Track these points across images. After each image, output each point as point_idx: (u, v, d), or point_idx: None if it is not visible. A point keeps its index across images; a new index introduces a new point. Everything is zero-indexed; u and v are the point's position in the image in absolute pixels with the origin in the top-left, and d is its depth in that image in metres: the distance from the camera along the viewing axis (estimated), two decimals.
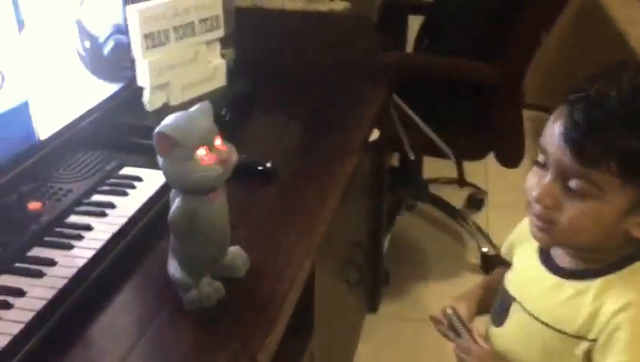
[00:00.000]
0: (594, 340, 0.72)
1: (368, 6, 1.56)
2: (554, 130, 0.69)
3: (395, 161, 2.15)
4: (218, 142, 0.70)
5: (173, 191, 0.72)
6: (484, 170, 2.48)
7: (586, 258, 0.75)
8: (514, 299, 0.81)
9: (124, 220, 0.84)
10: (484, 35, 1.69)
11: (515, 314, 0.81)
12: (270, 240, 0.88)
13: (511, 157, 1.78)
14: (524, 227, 0.81)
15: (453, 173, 2.34)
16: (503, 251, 0.91)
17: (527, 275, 0.81)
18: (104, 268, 0.78)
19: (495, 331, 0.85)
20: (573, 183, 0.68)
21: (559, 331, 0.74)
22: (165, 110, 1.16)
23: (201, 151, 0.68)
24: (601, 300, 0.72)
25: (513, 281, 0.83)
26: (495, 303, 0.86)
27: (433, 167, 2.26)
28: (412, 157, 1.74)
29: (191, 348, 0.69)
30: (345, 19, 1.49)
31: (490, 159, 1.93)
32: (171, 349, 0.70)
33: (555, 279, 0.76)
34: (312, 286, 0.97)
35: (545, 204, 0.71)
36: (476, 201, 2.33)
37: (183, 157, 0.68)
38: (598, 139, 0.65)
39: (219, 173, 0.69)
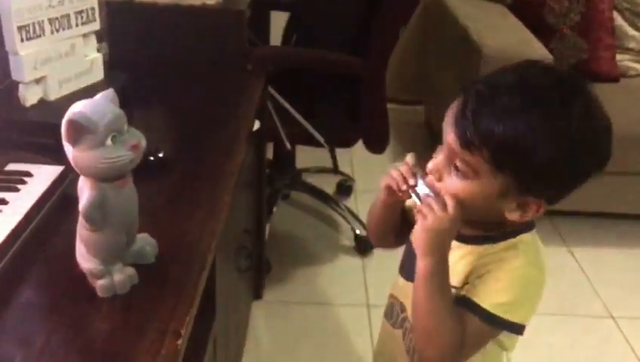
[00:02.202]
0: (459, 287, 0.84)
1: (240, 1, 1.59)
2: (449, 115, 0.79)
3: (269, 154, 2.21)
4: (127, 128, 0.71)
5: (81, 179, 0.72)
6: (350, 159, 2.63)
7: (476, 226, 0.85)
8: None
9: (20, 216, 0.82)
10: (350, 30, 1.80)
11: None
12: (174, 228, 0.89)
13: (377, 144, 1.92)
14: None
15: (321, 162, 2.45)
16: (407, 206, 0.95)
17: None
18: (4, 265, 0.75)
19: (404, 283, 0.93)
20: (457, 163, 0.78)
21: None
22: (43, 105, 1.12)
23: (112, 138, 0.69)
24: (480, 262, 0.83)
25: None
26: (405, 257, 0.95)
27: (303, 158, 2.35)
28: (288, 146, 1.80)
29: (112, 332, 0.70)
30: (218, 13, 1.52)
31: (355, 149, 2.06)
32: (92, 335, 0.70)
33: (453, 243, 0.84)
34: (214, 272, 1.00)
35: (432, 174, 0.81)
36: (345, 188, 2.46)
37: (93, 145, 0.68)
38: (478, 130, 0.74)
39: (131, 159, 0.70)
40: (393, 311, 0.98)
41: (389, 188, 0.86)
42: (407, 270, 0.93)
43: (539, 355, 1.72)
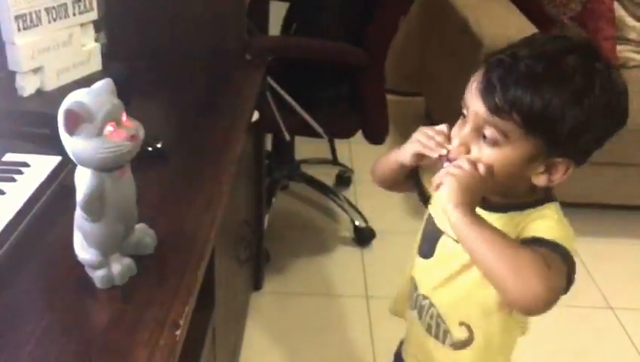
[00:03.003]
0: None
1: None
2: (473, 86, 0.80)
3: (267, 145, 2.20)
4: (125, 118, 0.71)
5: (78, 170, 0.71)
6: (349, 150, 2.63)
7: (503, 195, 0.85)
8: (442, 233, 0.90)
9: (17, 207, 0.81)
10: (349, 20, 1.79)
11: (444, 246, 0.90)
12: (173, 218, 0.89)
13: (377, 135, 1.91)
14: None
15: (320, 153, 2.45)
16: (424, 172, 0.97)
17: None
18: (1, 255, 0.75)
19: (422, 262, 0.94)
20: (487, 131, 0.79)
21: None
22: (40, 95, 1.12)
23: (110, 128, 0.68)
24: (512, 229, 0.82)
25: (440, 215, 0.90)
26: (423, 234, 0.95)
27: (302, 149, 2.35)
28: (287, 138, 1.80)
29: (111, 323, 0.69)
30: (217, 3, 1.51)
31: (354, 140, 2.06)
32: (90, 327, 0.70)
33: (480, 211, 0.83)
34: (213, 262, 1.00)
35: (460, 151, 0.81)
36: (344, 179, 2.46)
37: (91, 134, 0.67)
38: (506, 95, 0.76)
39: (129, 149, 0.70)
40: (412, 293, 0.99)
41: (418, 155, 0.86)
42: (423, 248, 0.94)
43: (537, 346, 1.73)
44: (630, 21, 2.43)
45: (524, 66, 0.76)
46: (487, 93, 0.77)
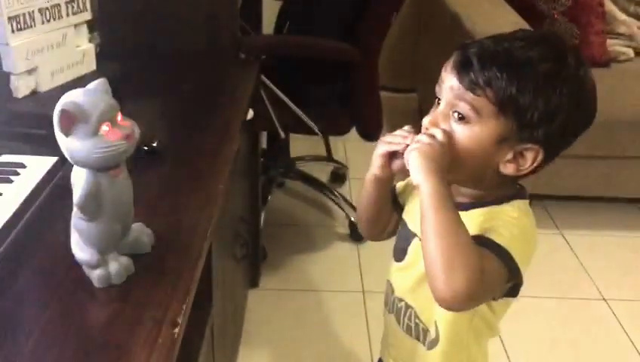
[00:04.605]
0: None
1: None
2: (449, 64, 0.80)
3: (262, 142, 2.21)
4: (120, 117, 0.71)
5: (75, 170, 0.72)
6: (344, 147, 2.64)
7: (471, 192, 0.85)
8: (414, 236, 0.90)
9: (14, 208, 0.82)
10: (342, 17, 1.80)
11: (414, 248, 0.90)
12: (170, 216, 0.90)
13: (371, 131, 1.92)
14: None
15: (315, 150, 2.46)
16: (399, 188, 0.97)
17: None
18: None
19: (395, 265, 0.94)
20: (459, 108, 0.79)
21: None
22: (35, 96, 1.12)
23: (105, 127, 0.69)
24: (477, 226, 0.82)
25: (413, 219, 0.91)
26: (396, 238, 0.96)
27: (297, 146, 2.36)
28: (282, 135, 1.81)
29: (109, 322, 0.70)
30: (211, 2, 1.51)
31: (348, 137, 2.07)
32: (89, 326, 0.70)
33: None
34: (210, 260, 1.00)
35: (429, 127, 0.81)
36: (339, 176, 2.47)
37: (86, 134, 0.68)
38: (482, 71, 0.76)
39: (125, 148, 0.70)
40: (388, 297, 0.98)
41: (385, 155, 0.85)
42: (397, 252, 0.94)
43: (532, 338, 1.74)
44: (620, 15, 2.44)
45: (502, 48, 0.78)
46: (463, 68, 0.78)
